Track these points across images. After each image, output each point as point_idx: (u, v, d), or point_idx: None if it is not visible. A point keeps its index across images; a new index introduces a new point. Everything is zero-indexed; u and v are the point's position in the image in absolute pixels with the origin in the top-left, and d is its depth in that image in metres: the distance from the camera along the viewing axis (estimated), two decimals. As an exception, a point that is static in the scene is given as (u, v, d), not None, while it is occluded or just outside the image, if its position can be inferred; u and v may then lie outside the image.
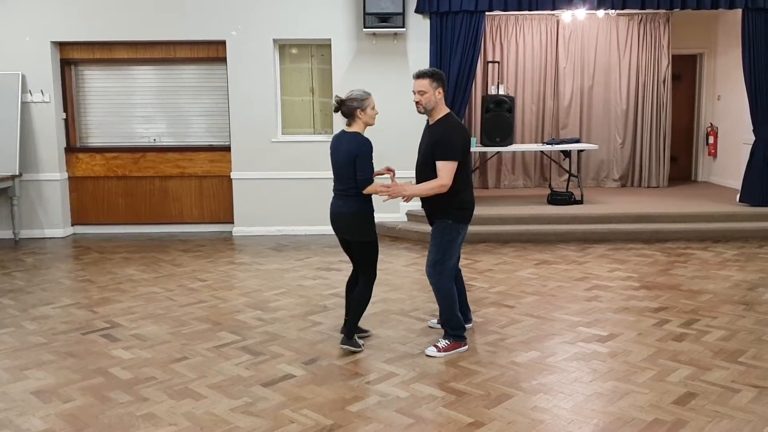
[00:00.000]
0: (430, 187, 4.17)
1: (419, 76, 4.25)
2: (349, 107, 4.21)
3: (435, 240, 4.33)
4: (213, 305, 5.44)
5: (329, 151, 4.37)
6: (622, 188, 10.42)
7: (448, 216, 4.27)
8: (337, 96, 4.28)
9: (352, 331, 4.38)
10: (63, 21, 8.05)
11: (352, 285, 4.51)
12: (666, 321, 4.90)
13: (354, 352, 4.33)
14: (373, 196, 4.25)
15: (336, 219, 4.34)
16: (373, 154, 4.19)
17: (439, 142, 4.16)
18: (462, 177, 4.22)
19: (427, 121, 4.45)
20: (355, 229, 4.28)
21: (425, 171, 4.26)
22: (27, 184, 8.24)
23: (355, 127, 4.25)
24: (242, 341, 4.58)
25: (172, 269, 6.65)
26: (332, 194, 4.37)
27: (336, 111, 4.27)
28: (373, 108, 4.24)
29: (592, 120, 10.46)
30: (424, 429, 3.33)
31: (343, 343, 4.38)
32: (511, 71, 10.34)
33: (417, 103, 4.27)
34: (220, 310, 5.29)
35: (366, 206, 4.26)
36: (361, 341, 4.42)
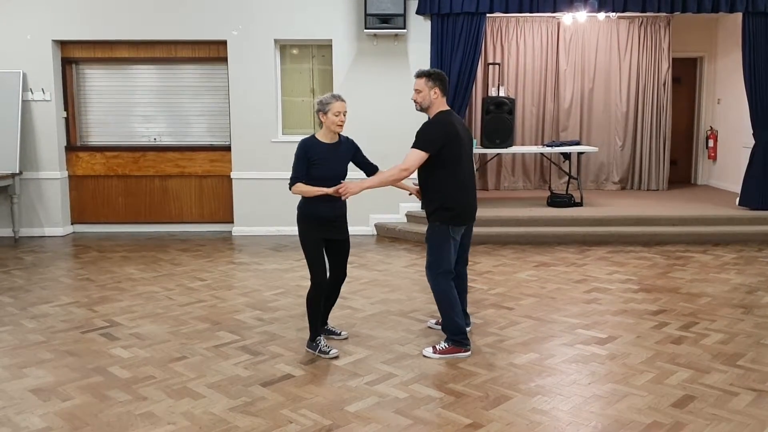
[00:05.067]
0: (388, 174, 4.25)
1: (417, 75, 4.34)
2: (316, 110, 4.24)
3: (427, 242, 4.37)
4: (212, 305, 5.44)
5: None
6: (622, 191, 10.42)
7: (436, 217, 4.28)
8: (318, 97, 4.31)
9: (311, 334, 4.33)
10: (64, 20, 8.05)
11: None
12: (665, 324, 4.91)
13: (317, 355, 4.25)
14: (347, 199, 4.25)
15: None
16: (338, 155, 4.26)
17: (417, 133, 4.24)
18: (449, 177, 4.22)
19: None
20: (297, 226, 4.33)
21: (419, 169, 4.29)
22: (27, 183, 8.24)
23: (322, 130, 4.26)
24: (241, 341, 4.58)
25: (171, 268, 6.65)
26: None
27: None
28: (337, 114, 4.17)
29: (592, 122, 10.47)
30: (423, 430, 3.33)
31: (306, 345, 4.39)
32: (512, 73, 10.35)
33: (414, 100, 4.34)
34: (219, 310, 5.30)
35: (301, 207, 4.28)
36: (326, 347, 4.29)
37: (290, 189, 4.23)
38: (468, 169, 4.35)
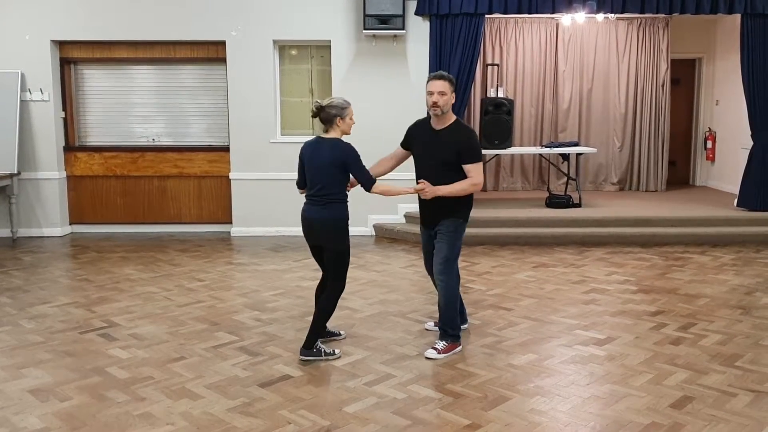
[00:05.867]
0: (463, 187, 4.28)
1: (441, 77, 4.31)
2: (328, 114, 4.21)
3: (448, 238, 4.36)
4: (211, 305, 5.44)
5: (300, 157, 4.31)
6: (621, 192, 10.43)
7: (459, 215, 4.37)
8: (317, 101, 4.27)
9: (311, 341, 4.25)
10: (63, 20, 8.04)
11: (321, 291, 4.44)
12: (663, 325, 4.91)
13: (324, 360, 4.22)
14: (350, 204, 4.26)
15: (311, 225, 4.26)
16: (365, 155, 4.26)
17: (464, 147, 4.29)
18: None
19: (423, 123, 4.50)
20: (330, 236, 4.23)
21: (439, 174, 4.28)
22: (25, 183, 8.23)
23: (333, 134, 4.25)
24: (240, 341, 4.58)
25: (170, 269, 6.65)
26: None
27: (314, 116, 4.27)
28: (351, 118, 4.26)
29: (590, 123, 10.48)
30: (421, 430, 3.33)
31: (301, 354, 4.25)
32: (511, 74, 10.35)
33: (435, 103, 4.26)
34: (217, 311, 5.30)
35: (343, 214, 4.24)
36: (329, 349, 4.29)
37: (370, 190, 4.24)
38: None
